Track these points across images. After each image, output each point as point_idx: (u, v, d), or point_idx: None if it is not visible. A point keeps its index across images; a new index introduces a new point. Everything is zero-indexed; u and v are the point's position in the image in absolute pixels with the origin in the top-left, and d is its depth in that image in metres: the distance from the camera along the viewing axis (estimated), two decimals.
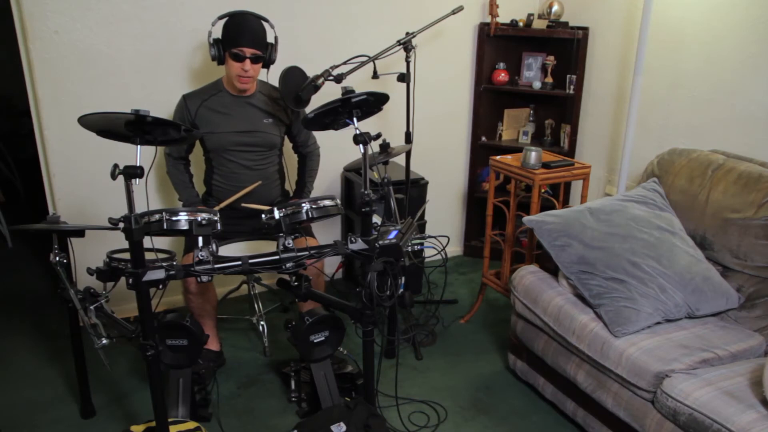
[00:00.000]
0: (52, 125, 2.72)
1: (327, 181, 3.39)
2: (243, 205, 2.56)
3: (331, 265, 3.55)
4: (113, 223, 1.73)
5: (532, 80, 3.61)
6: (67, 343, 2.36)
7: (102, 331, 2.01)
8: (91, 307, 2.03)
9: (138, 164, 1.66)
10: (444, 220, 3.89)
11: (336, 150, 3.13)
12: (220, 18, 2.50)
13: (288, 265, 1.97)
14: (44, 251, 3.72)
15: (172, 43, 2.84)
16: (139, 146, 1.70)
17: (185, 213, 1.87)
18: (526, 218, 2.47)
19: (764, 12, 2.58)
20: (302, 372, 2.45)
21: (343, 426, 2.02)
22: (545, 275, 2.48)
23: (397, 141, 2.71)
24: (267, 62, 2.57)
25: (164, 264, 1.83)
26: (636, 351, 2.02)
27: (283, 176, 2.81)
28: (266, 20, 2.55)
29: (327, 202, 2.06)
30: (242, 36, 2.43)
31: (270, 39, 2.55)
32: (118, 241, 1.89)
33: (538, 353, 2.44)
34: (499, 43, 3.61)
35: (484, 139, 3.77)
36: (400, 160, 3.28)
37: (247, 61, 2.45)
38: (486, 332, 3.08)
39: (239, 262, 1.93)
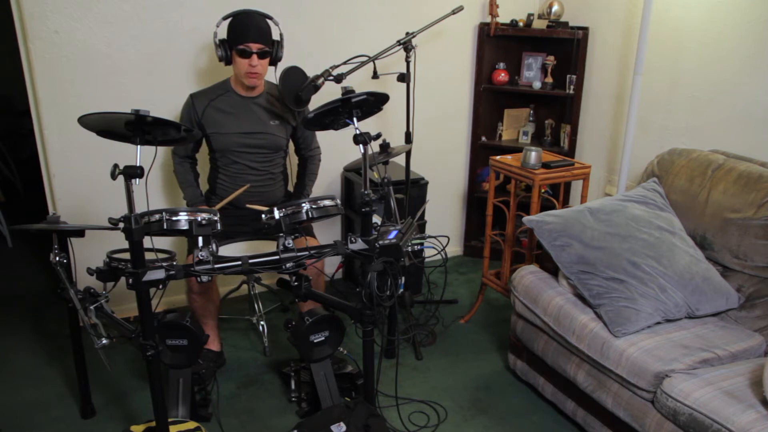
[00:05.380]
0: (52, 125, 2.72)
1: (327, 181, 3.39)
2: (248, 206, 2.56)
3: (331, 265, 3.55)
4: (113, 223, 1.73)
5: (532, 80, 3.62)
6: (67, 343, 2.36)
7: (102, 331, 2.01)
8: (91, 307, 2.03)
9: (138, 164, 1.66)
10: (444, 220, 3.89)
11: (336, 150, 3.13)
12: (225, 18, 2.50)
13: (288, 265, 1.97)
14: (44, 251, 3.73)
15: (172, 43, 2.84)
16: (139, 146, 1.71)
17: (185, 213, 1.87)
18: (526, 218, 2.47)
19: (764, 12, 2.58)
20: (302, 372, 2.45)
21: (343, 426, 2.02)
22: (545, 275, 2.49)
23: (397, 141, 2.71)
24: (274, 59, 2.58)
25: (164, 264, 1.83)
26: (636, 351, 2.03)
27: (287, 178, 2.81)
28: (270, 18, 2.55)
29: (327, 202, 2.06)
30: (248, 32, 2.44)
31: (275, 36, 2.56)
32: (118, 241, 1.89)
33: (538, 353, 2.44)
34: (499, 43, 3.61)
35: (484, 139, 3.77)
36: (400, 160, 3.28)
37: (254, 57, 2.46)
38: (486, 332, 3.08)
39: (239, 262, 1.93)
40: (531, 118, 3.79)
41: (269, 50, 2.51)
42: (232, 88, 2.60)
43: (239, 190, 2.58)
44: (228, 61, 2.51)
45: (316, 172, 2.86)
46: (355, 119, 2.03)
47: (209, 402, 2.43)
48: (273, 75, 2.62)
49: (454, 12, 2.82)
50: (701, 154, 2.56)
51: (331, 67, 2.49)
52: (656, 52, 3.04)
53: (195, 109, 2.56)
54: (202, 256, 1.90)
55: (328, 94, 2.41)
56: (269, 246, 2.42)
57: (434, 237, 2.33)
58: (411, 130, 2.83)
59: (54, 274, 2.10)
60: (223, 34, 2.50)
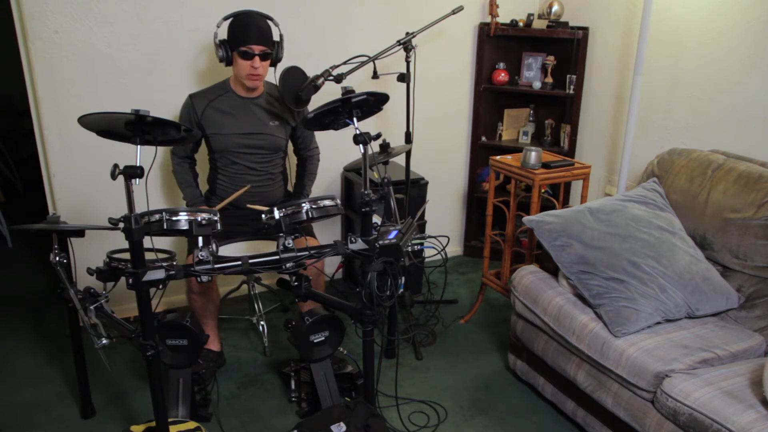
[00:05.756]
0: (52, 125, 2.72)
1: (327, 181, 3.39)
2: (249, 206, 2.56)
3: (331, 265, 3.56)
4: (113, 223, 1.73)
5: (532, 80, 3.62)
6: (67, 343, 2.36)
7: (102, 331, 2.01)
8: (91, 307, 2.03)
9: (138, 164, 1.66)
10: (444, 220, 3.89)
11: (336, 150, 3.13)
12: (225, 18, 2.50)
13: (288, 265, 1.97)
14: (44, 251, 3.73)
15: (172, 43, 2.84)
16: (139, 146, 1.71)
17: (185, 213, 1.87)
18: (526, 218, 2.47)
19: (764, 12, 2.58)
20: (302, 372, 2.46)
21: (343, 426, 2.02)
22: (545, 275, 2.49)
23: (397, 141, 2.71)
24: (274, 60, 2.58)
25: (164, 264, 1.83)
26: (636, 351, 2.03)
27: (286, 178, 2.81)
28: (271, 18, 2.55)
29: (327, 202, 2.06)
30: (250, 34, 2.43)
31: (275, 37, 2.56)
32: (118, 241, 1.89)
33: (538, 353, 2.44)
34: (499, 43, 3.61)
35: (484, 139, 3.77)
36: (400, 160, 3.28)
37: (257, 59, 2.45)
38: (486, 332, 3.08)
39: (239, 262, 1.93)
40: (531, 118, 3.79)
41: (270, 52, 2.51)
42: (231, 89, 2.60)
43: (240, 191, 2.58)
44: (228, 61, 2.50)
45: (315, 172, 2.86)
46: (355, 119, 2.03)
47: (209, 402, 2.43)
48: (273, 76, 2.62)
49: (454, 12, 2.82)
50: (701, 154, 2.56)
51: (331, 67, 2.48)
52: (656, 52, 3.04)
53: (194, 110, 2.55)
54: (202, 256, 1.90)
55: (328, 94, 2.41)
56: (269, 246, 2.42)
57: (434, 237, 2.33)
58: (411, 130, 2.83)
59: (54, 274, 2.10)
60: (223, 34, 2.50)
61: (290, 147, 2.83)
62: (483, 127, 3.76)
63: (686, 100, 2.96)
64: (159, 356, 1.84)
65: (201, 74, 2.93)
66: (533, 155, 2.74)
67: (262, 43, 2.46)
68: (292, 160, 2.87)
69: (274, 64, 2.60)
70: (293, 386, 2.50)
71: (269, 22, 2.53)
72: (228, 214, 2.51)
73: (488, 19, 3.51)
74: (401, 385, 2.59)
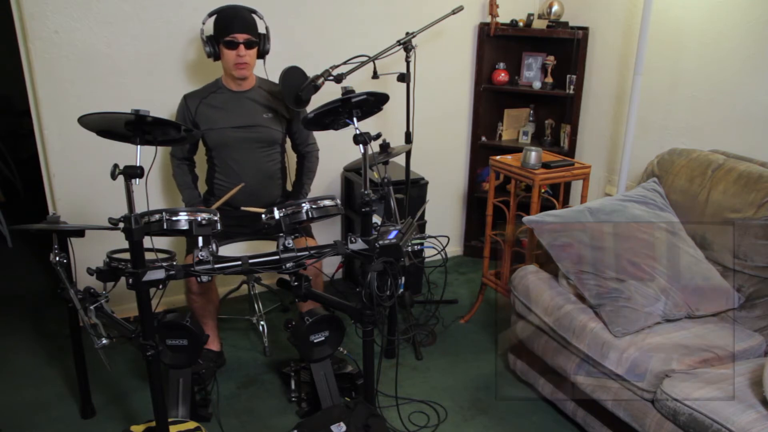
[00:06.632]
0: (52, 125, 2.72)
1: (327, 181, 3.39)
2: (243, 209, 2.56)
3: (331, 265, 3.55)
4: (113, 223, 1.73)
5: (532, 80, 3.62)
6: (67, 343, 2.36)
7: (102, 331, 2.01)
8: (91, 307, 2.03)
9: (138, 164, 1.66)
10: (444, 220, 3.89)
11: (336, 150, 3.13)
12: (210, 15, 2.52)
13: (288, 265, 1.97)
14: (44, 251, 3.72)
15: (172, 43, 2.84)
16: (139, 146, 1.71)
17: (185, 213, 1.87)
18: (526, 218, 2.47)
19: (764, 12, 2.58)
20: (302, 372, 2.46)
21: (343, 426, 2.02)
22: (545, 275, 2.48)
23: (397, 141, 2.71)
24: (262, 51, 2.59)
25: (164, 264, 1.83)
26: (636, 351, 2.03)
27: (285, 176, 2.81)
28: (255, 11, 2.57)
29: (327, 202, 2.07)
30: (232, 24, 2.46)
31: (261, 30, 2.57)
32: (118, 241, 1.89)
33: (538, 353, 2.44)
34: (499, 43, 3.61)
35: (484, 139, 3.77)
36: (400, 160, 3.28)
37: (241, 47, 2.47)
38: (486, 332, 3.08)
39: (239, 262, 1.93)
40: (531, 118, 3.79)
41: (256, 40, 2.52)
42: (223, 85, 2.62)
43: (234, 189, 2.58)
44: (216, 56, 2.52)
45: (314, 170, 2.86)
46: (355, 119, 2.03)
47: (209, 402, 2.43)
48: (262, 69, 2.62)
49: (454, 12, 2.82)
50: (701, 154, 2.56)
51: (331, 67, 2.48)
52: (656, 52, 3.04)
53: (188, 109, 2.57)
54: (202, 256, 1.91)
55: (328, 94, 2.41)
56: (269, 246, 2.42)
57: (434, 237, 2.33)
58: (411, 130, 2.83)
59: (54, 274, 2.10)
60: (210, 32, 2.51)
61: (289, 146, 2.83)
62: (483, 127, 3.76)
63: (686, 100, 2.96)
64: (159, 356, 1.84)
65: (201, 74, 2.92)
66: (533, 155, 2.74)
67: (246, 31, 2.48)
68: (291, 160, 2.87)
69: (262, 56, 2.60)
70: (293, 386, 2.50)
71: (254, 16, 2.55)
72: (228, 215, 2.51)
73: (488, 19, 3.51)
74: (401, 385, 2.59)
